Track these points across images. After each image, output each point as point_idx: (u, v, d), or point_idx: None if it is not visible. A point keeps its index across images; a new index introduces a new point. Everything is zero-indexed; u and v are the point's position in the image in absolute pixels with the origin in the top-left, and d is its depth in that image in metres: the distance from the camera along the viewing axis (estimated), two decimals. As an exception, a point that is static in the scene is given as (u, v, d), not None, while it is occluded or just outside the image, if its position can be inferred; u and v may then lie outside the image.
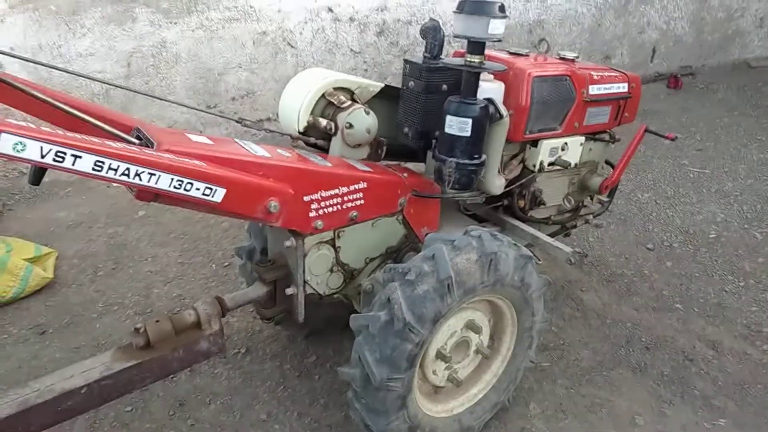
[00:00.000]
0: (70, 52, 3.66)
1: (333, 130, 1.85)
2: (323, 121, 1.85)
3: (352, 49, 4.65)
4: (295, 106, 1.86)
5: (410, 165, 2.06)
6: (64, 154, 1.12)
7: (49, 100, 1.36)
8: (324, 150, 1.91)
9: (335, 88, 1.89)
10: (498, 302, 1.79)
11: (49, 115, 1.49)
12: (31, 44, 3.56)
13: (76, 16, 3.64)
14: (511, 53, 2.11)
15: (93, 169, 1.16)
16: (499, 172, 1.98)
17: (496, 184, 1.98)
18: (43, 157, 1.10)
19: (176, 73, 4.00)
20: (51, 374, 1.49)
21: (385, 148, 1.99)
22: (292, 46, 4.37)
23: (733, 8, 6.45)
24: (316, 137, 1.90)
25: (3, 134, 1.05)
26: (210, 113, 2.10)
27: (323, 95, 1.87)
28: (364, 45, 4.69)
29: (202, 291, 2.67)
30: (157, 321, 1.60)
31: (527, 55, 2.10)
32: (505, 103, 1.89)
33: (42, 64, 1.63)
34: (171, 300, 2.61)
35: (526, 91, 1.92)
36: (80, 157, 1.13)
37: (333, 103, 1.86)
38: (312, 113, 1.87)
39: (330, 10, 4.42)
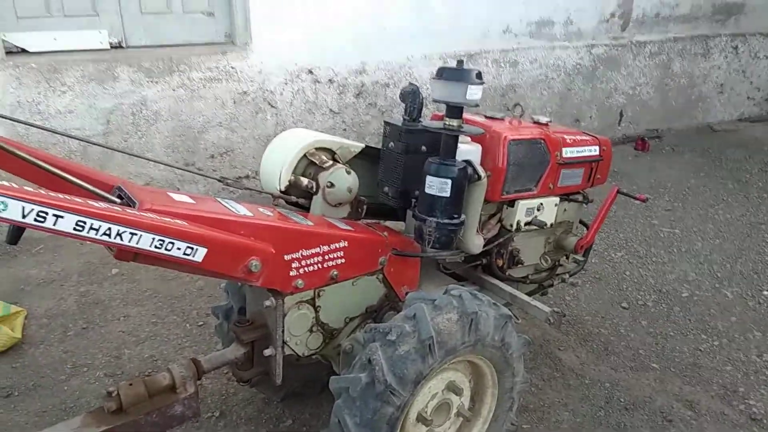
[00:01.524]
0: (49, 109, 3.67)
1: (314, 189, 1.87)
2: (305, 180, 1.88)
3: (331, 110, 4.74)
4: (278, 165, 1.89)
5: (389, 224, 2.08)
6: (46, 214, 1.11)
7: (29, 158, 1.36)
8: (305, 209, 1.92)
9: (317, 148, 1.92)
10: (478, 362, 1.78)
11: (28, 173, 1.48)
12: (10, 101, 3.57)
13: (57, 74, 3.67)
14: (487, 117, 2.18)
15: (74, 228, 1.15)
16: (477, 231, 2.01)
17: (475, 243, 2.00)
18: (24, 217, 1.09)
19: (156, 130, 4.03)
20: (16, 441, 1.43)
21: (365, 207, 2.01)
22: (272, 106, 4.44)
23: (695, 75, 6.78)
24: (297, 196, 1.92)
25: (-16, 194, 1.04)
26: (189, 171, 2.11)
27: (305, 155, 1.90)
28: (343, 106, 4.79)
29: (175, 352, 2.61)
30: (131, 384, 1.56)
31: (503, 119, 2.18)
32: (482, 164, 1.94)
33: (21, 122, 1.64)
34: (143, 361, 2.54)
35: (502, 154, 1.98)
36: (62, 217, 1.13)
37: (314, 163, 1.89)
38: (294, 172, 1.89)
39: (310, 72, 4.53)
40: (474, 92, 1.73)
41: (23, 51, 3.75)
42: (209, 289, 3.12)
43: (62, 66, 3.68)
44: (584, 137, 2.29)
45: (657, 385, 2.53)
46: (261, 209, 1.68)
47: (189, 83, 4.06)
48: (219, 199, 1.66)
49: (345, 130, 4.84)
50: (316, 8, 4.39)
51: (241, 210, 1.60)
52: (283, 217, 1.71)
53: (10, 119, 1.60)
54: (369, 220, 2.05)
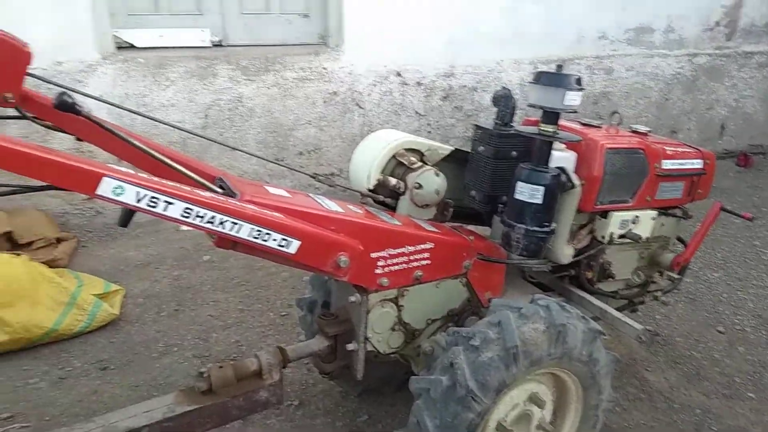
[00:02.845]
0: (153, 102, 3.89)
1: (402, 189, 1.89)
2: (393, 180, 1.89)
3: (417, 112, 4.76)
4: (367, 164, 1.91)
5: (475, 228, 2.06)
6: (158, 199, 1.18)
7: (140, 145, 1.44)
8: (391, 208, 1.93)
9: (406, 149, 1.94)
10: (563, 376, 1.73)
11: (135, 159, 1.58)
12: (119, 93, 3.81)
13: (162, 69, 3.88)
14: (583, 124, 2.12)
15: (181, 215, 1.21)
16: (568, 241, 1.96)
17: (565, 253, 1.95)
18: (138, 201, 1.16)
19: (249, 126, 4.18)
20: (115, 411, 1.53)
21: (451, 210, 2.00)
22: (360, 107, 4.51)
23: (808, 88, 6.30)
24: (385, 195, 1.94)
25: (105, 178, 1.12)
26: (284, 165, 2.18)
27: (394, 155, 1.92)
28: (429, 108, 4.79)
29: (259, 339, 2.70)
30: (221, 366, 1.62)
31: (599, 127, 2.11)
32: (576, 172, 1.88)
33: (134, 112, 1.74)
34: (229, 345, 2.64)
35: (598, 162, 1.92)
36: (172, 203, 1.19)
37: (403, 164, 1.90)
38: (382, 172, 1.91)
39: (398, 74, 4.56)
40: (572, 98, 1.69)
41: (132, 46, 4.00)
42: (293, 280, 3.21)
43: (167, 62, 3.89)
44: (686, 149, 2.18)
45: (753, 416, 2.36)
46: (350, 206, 1.71)
47: (282, 82, 4.19)
48: (310, 195, 1.70)
49: (430, 132, 4.85)
50: (408, 12, 4.42)
51: (332, 206, 1.63)
52: (372, 215, 1.73)
53: (127, 109, 1.72)
54: (454, 223, 2.04)
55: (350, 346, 1.78)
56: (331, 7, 4.31)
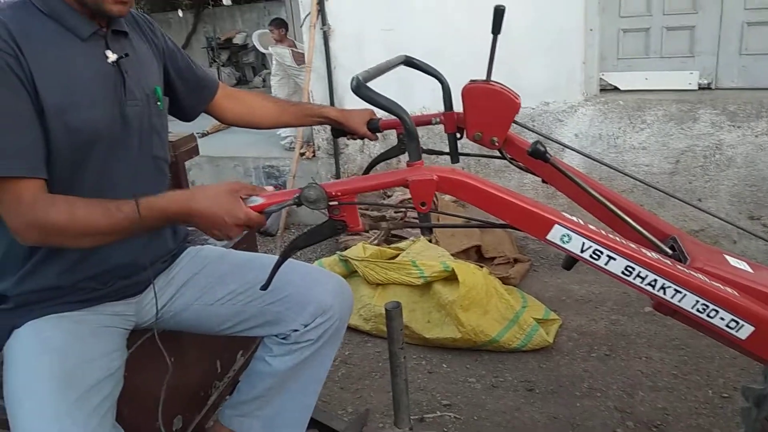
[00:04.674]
0: (625, 144, 3.92)
1: None
2: None
3: None
4: None
5: None
6: (600, 253, 1.20)
7: (595, 194, 1.48)
8: None
9: None
10: None
11: (590, 206, 1.63)
12: (593, 133, 3.98)
13: (640, 111, 3.87)
14: None
15: (622, 272, 1.21)
16: None
17: None
18: (581, 251, 1.21)
19: (725, 177, 3.78)
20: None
21: None
22: None
23: None
24: None
25: (556, 225, 1.21)
26: (746, 231, 1.89)
27: None
28: None
29: (689, 414, 2.43)
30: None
31: None
32: None
33: (591, 158, 1.79)
34: (654, 410, 2.47)
35: None
36: (614, 259, 1.20)
37: None
38: None
39: None
40: None
41: (615, 89, 4.11)
42: (743, 360, 2.76)
43: (646, 104, 3.86)
44: None
45: None
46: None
47: (777, 130, 3.63)
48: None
49: None
50: None
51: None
52: None
53: (578, 152, 1.79)
54: None
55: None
56: None
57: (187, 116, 1.80)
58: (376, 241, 3.82)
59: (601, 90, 4.11)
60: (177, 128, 2.08)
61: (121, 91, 1.42)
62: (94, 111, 1.36)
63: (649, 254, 1.24)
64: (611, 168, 1.77)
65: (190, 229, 1.77)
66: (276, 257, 1.41)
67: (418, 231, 3.69)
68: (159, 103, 1.53)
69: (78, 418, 1.26)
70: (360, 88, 1.27)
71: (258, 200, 1.30)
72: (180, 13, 13.04)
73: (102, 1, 1.33)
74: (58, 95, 1.30)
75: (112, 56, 1.41)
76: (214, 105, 1.83)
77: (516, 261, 3.83)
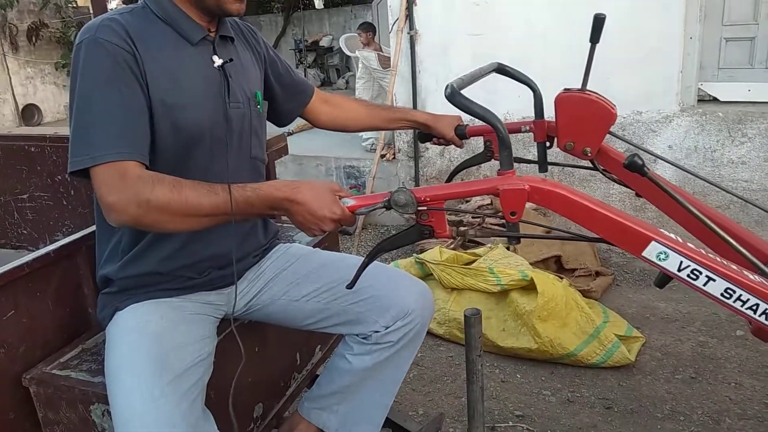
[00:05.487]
0: (722, 157, 3.72)
1: None
2: None
3: None
4: None
5: None
6: (699, 273, 1.15)
7: (693, 210, 1.42)
8: None
9: None
10: None
11: (687, 223, 1.56)
12: (688, 145, 3.80)
13: (740, 124, 3.66)
14: None
15: (721, 294, 1.15)
16: None
17: None
18: (679, 270, 1.17)
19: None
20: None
21: None
22: None
23: None
24: None
25: (653, 242, 1.17)
26: None
27: None
28: None
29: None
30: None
31: None
32: None
33: (686, 171, 1.71)
34: (741, 439, 2.34)
35: None
36: (714, 280, 1.15)
37: None
38: None
39: None
40: None
41: (714, 99, 3.91)
42: None
43: (748, 117, 3.65)
44: None
45: None
46: None
47: None
48: None
49: None
50: None
51: None
52: None
53: (674, 164, 1.71)
54: None
55: None
56: None
57: (283, 121, 1.87)
58: (452, 246, 3.81)
59: (699, 100, 3.92)
60: (267, 128, 2.16)
61: (225, 93, 1.50)
62: (200, 111, 1.44)
63: (751, 276, 1.18)
64: (708, 182, 1.69)
65: (280, 224, 1.83)
66: (360, 258, 1.44)
67: (495, 237, 3.66)
68: (259, 107, 1.61)
69: (172, 399, 1.34)
70: (454, 96, 1.28)
71: (350, 201, 1.34)
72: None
73: (223, 1, 1.41)
74: (167, 94, 1.39)
75: (218, 61, 1.49)
76: (309, 109, 1.89)
77: (598, 274, 3.71)
